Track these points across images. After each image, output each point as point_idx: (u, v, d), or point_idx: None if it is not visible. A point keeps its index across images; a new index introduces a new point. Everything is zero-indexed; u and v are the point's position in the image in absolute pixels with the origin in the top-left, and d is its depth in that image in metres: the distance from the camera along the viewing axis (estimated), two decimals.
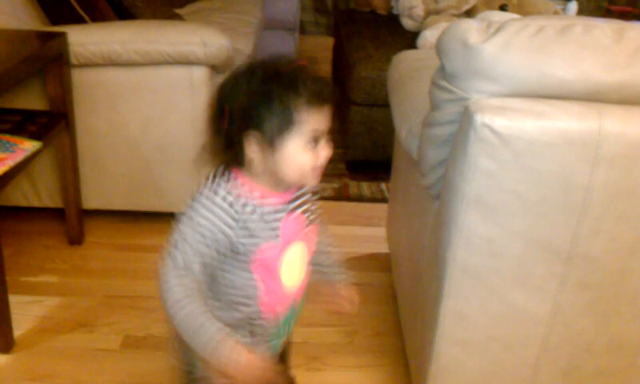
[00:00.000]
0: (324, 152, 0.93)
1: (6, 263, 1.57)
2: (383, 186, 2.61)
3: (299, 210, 0.99)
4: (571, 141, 1.04)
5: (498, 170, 1.08)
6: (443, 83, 1.16)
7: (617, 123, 1.04)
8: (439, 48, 1.17)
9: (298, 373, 1.59)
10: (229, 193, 0.93)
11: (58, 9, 2.13)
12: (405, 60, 1.81)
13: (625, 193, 1.09)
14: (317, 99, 0.89)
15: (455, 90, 1.13)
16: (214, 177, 0.95)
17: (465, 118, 1.09)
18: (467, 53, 1.09)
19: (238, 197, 0.93)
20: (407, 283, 1.57)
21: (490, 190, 1.10)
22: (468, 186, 1.10)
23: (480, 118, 1.05)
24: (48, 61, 1.78)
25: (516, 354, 1.27)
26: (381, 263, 2.07)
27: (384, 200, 2.48)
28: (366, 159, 2.69)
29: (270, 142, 0.90)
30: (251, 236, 0.94)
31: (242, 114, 0.89)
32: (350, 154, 2.70)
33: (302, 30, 4.90)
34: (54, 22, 2.12)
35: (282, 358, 1.19)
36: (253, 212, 0.94)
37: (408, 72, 1.71)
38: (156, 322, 1.73)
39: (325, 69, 4.07)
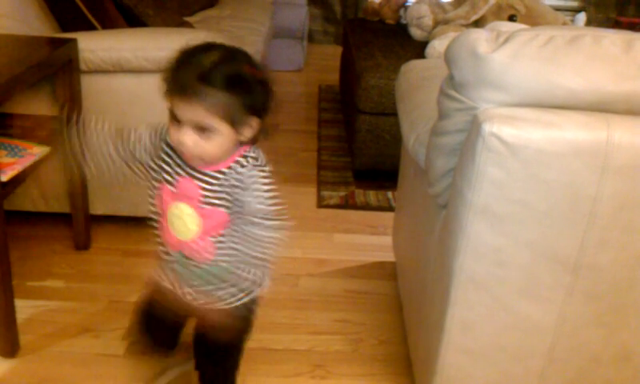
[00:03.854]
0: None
1: (13, 267, 1.57)
2: (390, 194, 2.61)
3: (195, 180, 1.15)
4: (579, 151, 1.04)
5: (506, 180, 1.08)
6: (452, 92, 1.16)
7: (625, 134, 1.04)
8: (448, 57, 1.17)
9: (302, 381, 1.59)
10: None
11: (69, 16, 2.14)
12: (413, 69, 1.82)
13: (632, 203, 1.08)
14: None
15: (464, 99, 1.13)
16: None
17: (473, 127, 1.09)
18: (476, 62, 1.09)
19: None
20: (413, 292, 1.57)
21: (497, 199, 1.10)
22: (476, 195, 1.10)
23: (488, 128, 1.05)
24: (58, 67, 1.79)
25: (522, 364, 1.26)
26: (386, 272, 2.06)
27: (390, 208, 2.47)
28: (372, 167, 2.69)
29: None
30: (158, 167, 1.19)
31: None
32: (356, 162, 2.70)
33: (311, 38, 4.92)
34: (65, 29, 2.14)
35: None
36: (168, 145, 1.19)
37: (416, 81, 1.71)
38: None
39: (333, 77, 4.09)
